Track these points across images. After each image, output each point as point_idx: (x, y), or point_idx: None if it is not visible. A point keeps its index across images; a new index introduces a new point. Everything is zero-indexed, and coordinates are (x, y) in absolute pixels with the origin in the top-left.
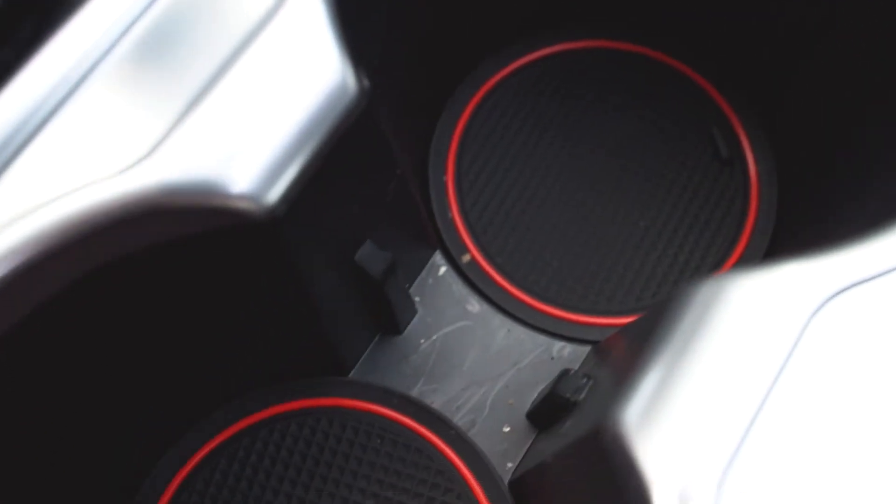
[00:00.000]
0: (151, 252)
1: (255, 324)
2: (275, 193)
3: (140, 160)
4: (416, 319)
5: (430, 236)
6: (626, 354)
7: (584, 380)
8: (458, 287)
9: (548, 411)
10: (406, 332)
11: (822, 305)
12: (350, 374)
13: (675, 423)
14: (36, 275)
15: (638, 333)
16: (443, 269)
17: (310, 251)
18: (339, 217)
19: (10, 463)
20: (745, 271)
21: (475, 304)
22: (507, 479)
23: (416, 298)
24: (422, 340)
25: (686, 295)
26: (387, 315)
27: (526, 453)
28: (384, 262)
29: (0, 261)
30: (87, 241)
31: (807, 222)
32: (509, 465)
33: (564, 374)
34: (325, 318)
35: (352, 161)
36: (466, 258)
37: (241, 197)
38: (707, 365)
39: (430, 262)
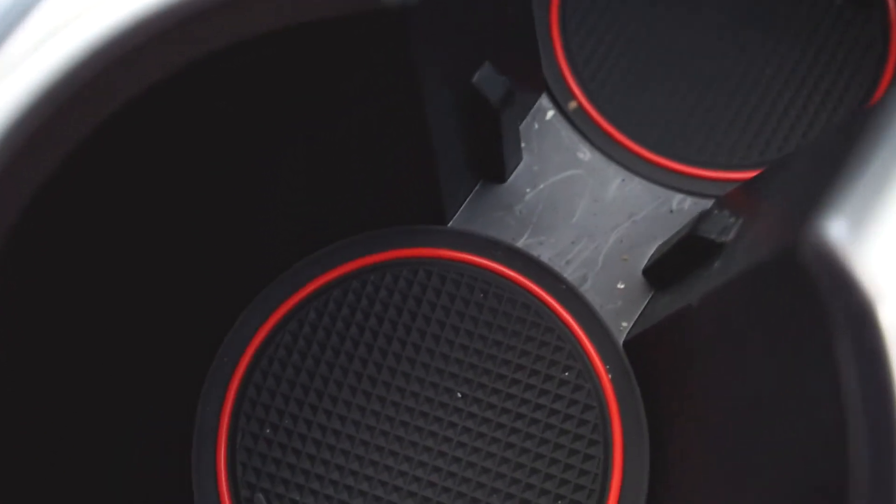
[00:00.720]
0: (258, 47)
1: (353, 147)
2: None
3: None
4: (520, 167)
5: (538, 75)
6: (797, 180)
7: (732, 219)
8: (568, 133)
9: (680, 260)
10: (510, 179)
11: None
12: (448, 225)
13: None
14: (140, 58)
15: (816, 155)
16: (550, 114)
17: (430, 64)
18: (460, 29)
19: (107, 300)
20: None
21: (586, 152)
22: (621, 339)
23: (522, 144)
24: (527, 189)
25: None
26: (493, 155)
27: (642, 312)
28: (503, 88)
29: (100, 39)
30: (192, 23)
31: None
32: (624, 324)
33: (705, 214)
34: (435, 147)
35: None
36: (573, 105)
37: None
38: None
39: (537, 105)
